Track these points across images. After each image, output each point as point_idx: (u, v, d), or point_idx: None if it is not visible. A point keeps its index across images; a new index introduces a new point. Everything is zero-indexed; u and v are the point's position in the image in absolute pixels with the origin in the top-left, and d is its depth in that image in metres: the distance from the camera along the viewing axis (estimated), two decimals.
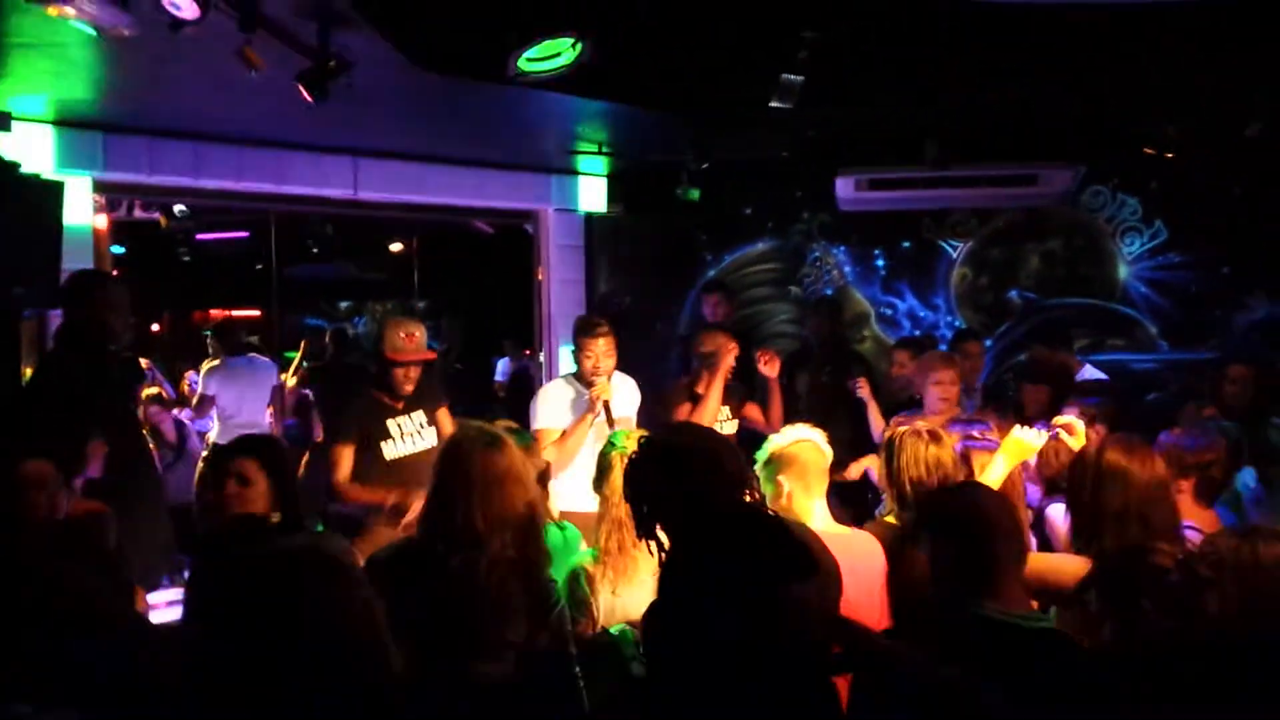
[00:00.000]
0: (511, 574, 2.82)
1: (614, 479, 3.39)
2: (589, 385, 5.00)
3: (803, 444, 3.42)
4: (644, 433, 3.63)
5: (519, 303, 8.79)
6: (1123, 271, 8.01)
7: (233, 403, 7.42)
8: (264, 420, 7.53)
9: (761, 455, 3.46)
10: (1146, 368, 7.92)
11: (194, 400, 7.64)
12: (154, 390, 7.41)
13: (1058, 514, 3.79)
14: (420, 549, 2.91)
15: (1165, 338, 7.92)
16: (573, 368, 5.27)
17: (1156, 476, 3.15)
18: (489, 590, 2.79)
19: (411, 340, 4.70)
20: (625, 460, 2.80)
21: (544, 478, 4.03)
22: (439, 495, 2.90)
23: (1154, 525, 3.06)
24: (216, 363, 7.68)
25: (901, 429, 3.65)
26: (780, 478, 3.37)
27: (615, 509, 3.34)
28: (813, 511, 3.37)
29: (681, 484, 2.52)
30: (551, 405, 5.07)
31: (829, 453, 3.48)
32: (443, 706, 2.73)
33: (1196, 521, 3.38)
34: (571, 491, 4.91)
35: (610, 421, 4.84)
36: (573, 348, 5.14)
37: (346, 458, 4.60)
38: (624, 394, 5.18)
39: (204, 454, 7.31)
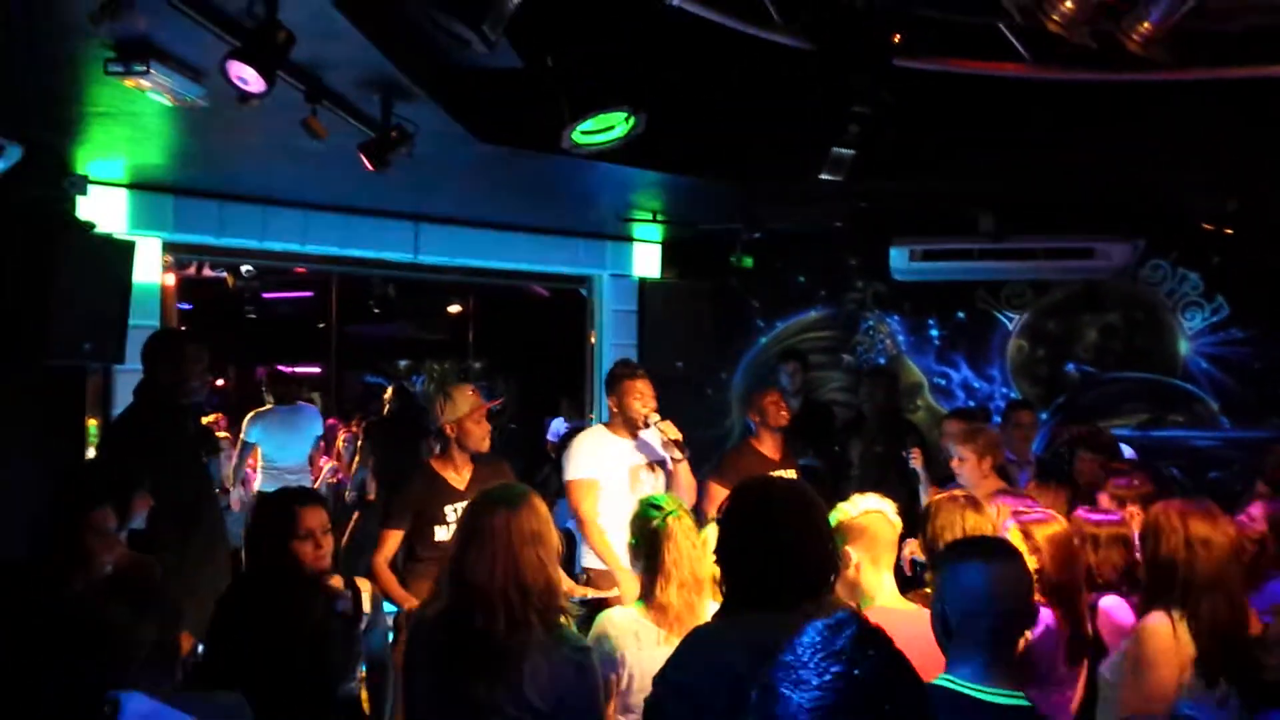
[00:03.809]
0: (529, 638, 2.78)
1: (678, 542, 3.37)
2: (638, 427, 4.94)
3: (872, 515, 3.31)
4: (672, 497, 3.66)
5: (573, 364, 8.87)
6: (1183, 346, 7.88)
7: (275, 449, 7.56)
8: (306, 465, 7.68)
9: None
10: (1208, 445, 7.76)
11: (236, 448, 7.75)
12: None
13: (1113, 607, 3.69)
14: (447, 610, 2.91)
15: (1227, 414, 7.75)
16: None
17: (1234, 542, 3.13)
18: (505, 653, 2.76)
19: (477, 394, 4.75)
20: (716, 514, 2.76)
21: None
22: (459, 555, 2.87)
23: (1234, 591, 3.04)
24: (261, 410, 7.81)
25: (940, 496, 3.62)
26: (848, 549, 3.23)
27: (683, 572, 3.32)
28: (881, 585, 3.25)
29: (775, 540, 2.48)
30: (590, 455, 4.97)
31: (899, 524, 3.37)
32: None
33: None
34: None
35: (681, 453, 4.83)
36: (611, 394, 5.04)
37: (392, 542, 4.58)
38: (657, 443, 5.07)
39: (246, 500, 7.41)
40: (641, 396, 4.93)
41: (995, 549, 2.55)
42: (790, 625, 1.88)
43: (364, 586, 3.68)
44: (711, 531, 3.47)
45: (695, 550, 3.37)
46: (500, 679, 2.75)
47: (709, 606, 3.29)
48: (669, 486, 4.95)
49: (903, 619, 2.92)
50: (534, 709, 2.76)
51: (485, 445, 4.69)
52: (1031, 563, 3.40)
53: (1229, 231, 6.76)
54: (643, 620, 3.36)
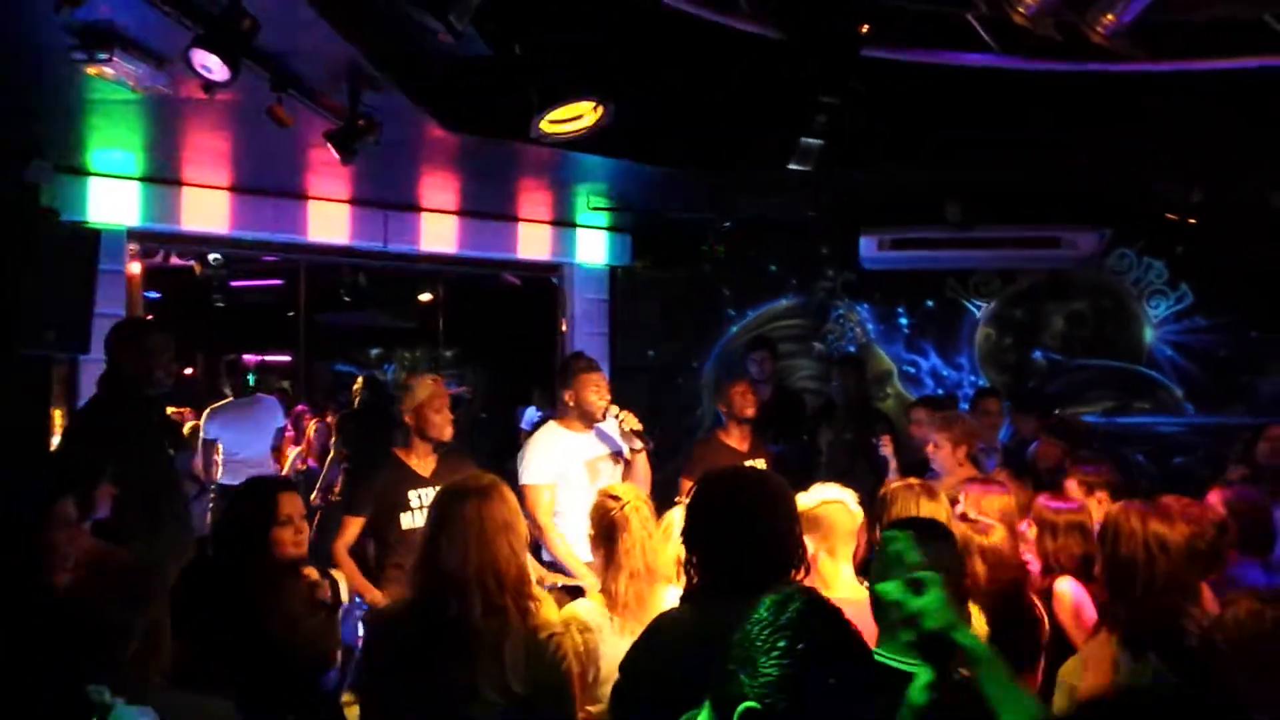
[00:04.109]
0: (505, 624, 2.80)
1: (633, 531, 3.36)
2: (595, 420, 4.86)
3: (831, 505, 3.29)
4: (631, 487, 3.64)
5: (545, 353, 8.86)
6: (1149, 334, 7.97)
7: (235, 442, 7.44)
8: (268, 458, 7.60)
9: None
10: (1173, 431, 7.85)
11: (198, 445, 7.66)
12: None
13: (1068, 590, 3.73)
14: (417, 600, 2.92)
15: (1191, 401, 7.85)
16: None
17: (1190, 542, 3.17)
18: (482, 638, 2.77)
19: (437, 382, 4.73)
20: (684, 501, 2.75)
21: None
22: (430, 544, 2.88)
23: (1188, 588, 3.08)
24: (218, 405, 7.67)
25: (896, 485, 3.62)
26: (805, 539, 3.05)
27: (635, 561, 3.30)
28: (839, 575, 3.23)
29: (746, 528, 2.49)
30: (544, 455, 4.85)
31: (859, 514, 3.34)
32: None
33: None
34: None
35: (642, 444, 4.81)
36: (566, 388, 4.92)
37: (353, 528, 4.55)
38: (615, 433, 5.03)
39: (211, 493, 7.36)
40: (598, 389, 4.86)
41: (925, 529, 2.58)
42: None
43: (338, 577, 3.68)
44: (675, 517, 3.47)
45: (651, 541, 3.35)
46: (479, 664, 2.77)
47: (662, 596, 3.27)
48: (626, 476, 4.92)
49: (860, 609, 2.90)
50: (512, 694, 2.78)
51: (448, 433, 4.63)
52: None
53: (1193, 221, 6.83)
54: (603, 611, 3.35)
